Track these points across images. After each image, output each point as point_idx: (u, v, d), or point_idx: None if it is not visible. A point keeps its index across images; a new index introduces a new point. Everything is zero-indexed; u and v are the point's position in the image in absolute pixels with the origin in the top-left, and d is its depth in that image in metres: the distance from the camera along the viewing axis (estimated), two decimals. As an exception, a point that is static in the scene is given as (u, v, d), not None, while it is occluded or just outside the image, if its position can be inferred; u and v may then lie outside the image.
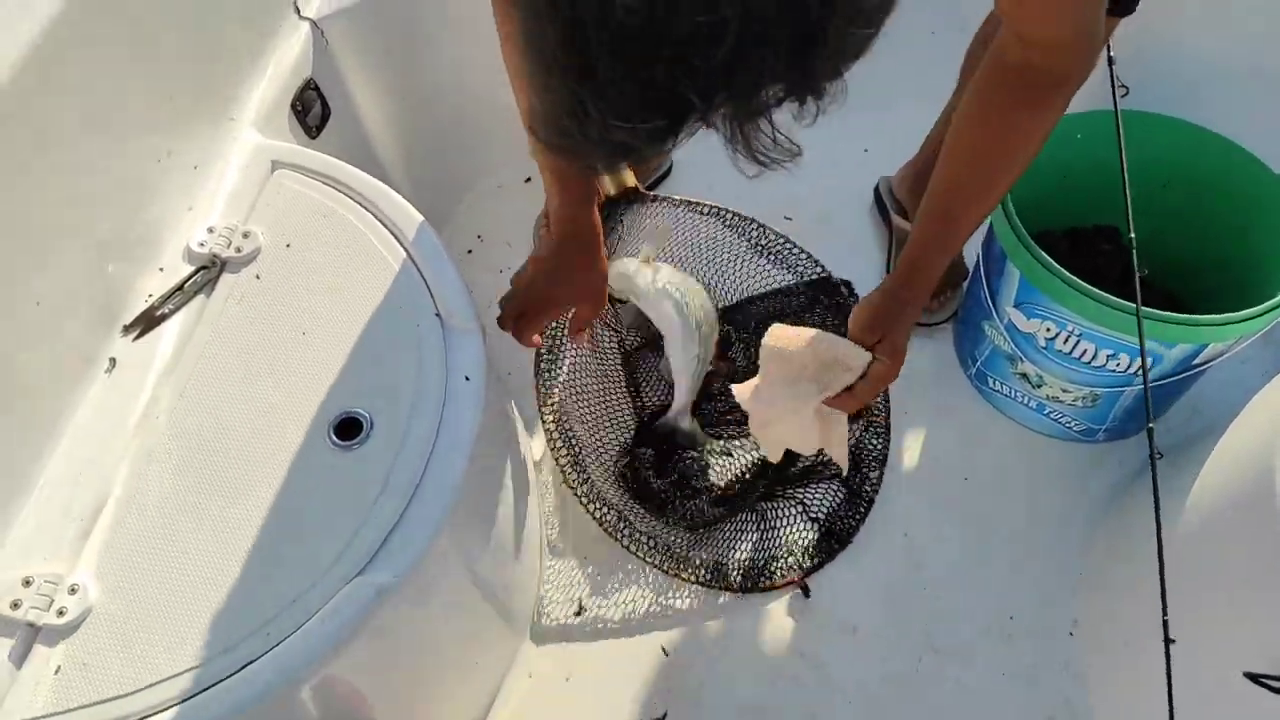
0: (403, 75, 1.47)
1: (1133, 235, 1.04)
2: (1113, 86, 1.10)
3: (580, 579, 1.39)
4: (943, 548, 1.42)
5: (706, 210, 1.43)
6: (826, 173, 1.76)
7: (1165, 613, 0.91)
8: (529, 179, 1.74)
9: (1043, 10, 0.87)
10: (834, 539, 1.39)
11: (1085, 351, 1.28)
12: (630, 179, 1.41)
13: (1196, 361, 1.26)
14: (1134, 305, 1.17)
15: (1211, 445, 1.16)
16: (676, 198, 1.43)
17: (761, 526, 1.39)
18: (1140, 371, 1.28)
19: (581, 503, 1.31)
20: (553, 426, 1.33)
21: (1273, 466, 0.97)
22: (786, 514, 1.40)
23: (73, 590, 0.90)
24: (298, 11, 1.31)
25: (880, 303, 1.07)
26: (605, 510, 1.32)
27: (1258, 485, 1.01)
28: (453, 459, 0.97)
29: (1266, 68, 1.46)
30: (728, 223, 1.43)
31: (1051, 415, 1.44)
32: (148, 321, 1.06)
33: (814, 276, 1.40)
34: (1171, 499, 1.21)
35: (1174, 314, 1.17)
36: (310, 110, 1.32)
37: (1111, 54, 1.12)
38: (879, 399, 1.44)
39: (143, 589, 0.90)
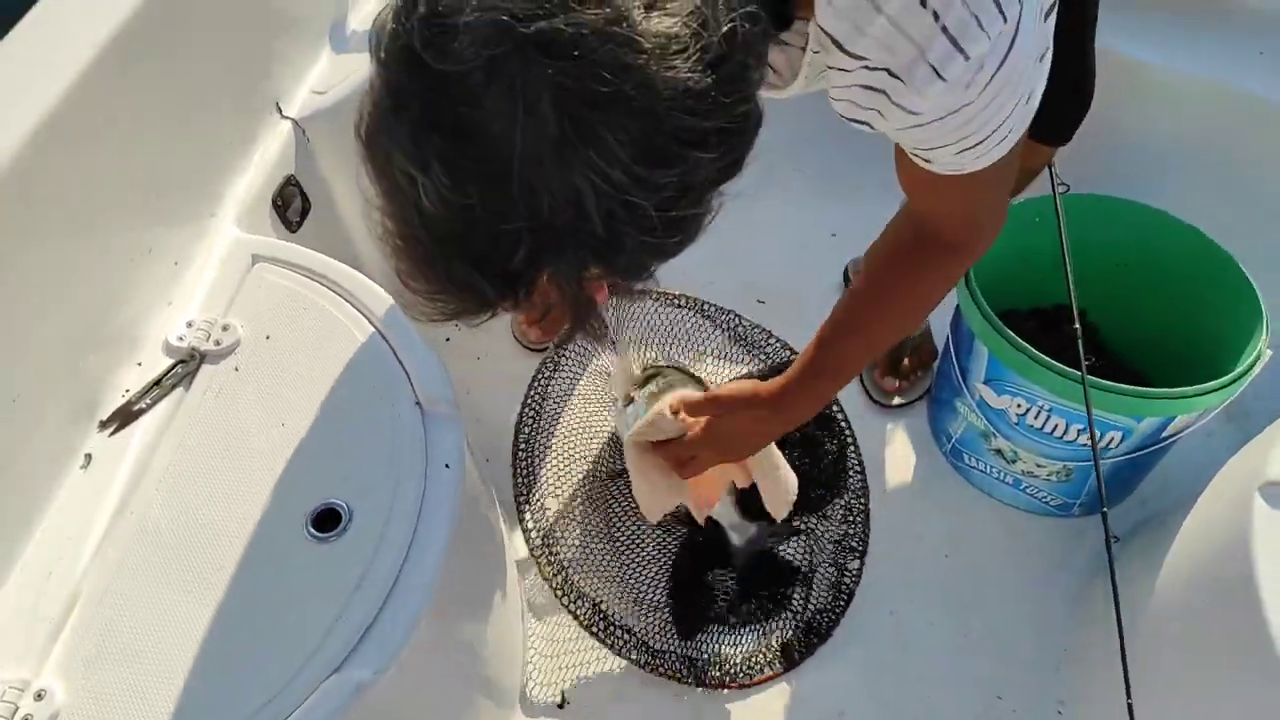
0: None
1: (1074, 305, 1.12)
2: (1053, 184, 1.18)
3: (563, 668, 1.36)
4: (928, 628, 1.41)
5: (685, 303, 1.46)
6: (797, 257, 1.81)
7: (1129, 695, 0.92)
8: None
9: (938, 201, 0.90)
10: (814, 634, 1.37)
11: (1056, 426, 1.30)
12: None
13: (1164, 435, 1.29)
14: (1102, 381, 1.21)
15: (1181, 519, 1.18)
16: (656, 290, 1.46)
17: (738, 624, 1.37)
18: (1107, 446, 1.30)
19: (556, 595, 1.30)
20: (529, 518, 1.33)
21: (1242, 539, 0.99)
22: (760, 620, 1.38)
23: (39, 696, 0.87)
24: (280, 111, 1.35)
25: (745, 394, 1.07)
26: (581, 604, 1.31)
27: (1226, 557, 1.02)
28: (432, 548, 0.97)
29: (1214, 150, 1.53)
30: (706, 314, 1.46)
31: (1027, 490, 1.45)
32: (124, 417, 1.06)
33: (785, 359, 1.43)
34: (1145, 574, 1.22)
35: (1136, 388, 1.20)
36: (290, 205, 1.35)
37: (1055, 169, 1.20)
38: (857, 489, 1.44)
39: (113, 690, 0.88)
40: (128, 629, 0.91)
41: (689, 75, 0.50)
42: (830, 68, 0.69)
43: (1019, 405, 1.32)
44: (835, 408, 1.47)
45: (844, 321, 1.02)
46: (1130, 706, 0.93)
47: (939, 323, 1.62)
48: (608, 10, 0.49)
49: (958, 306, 1.37)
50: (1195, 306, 1.40)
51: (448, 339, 1.69)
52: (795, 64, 0.73)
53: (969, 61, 0.63)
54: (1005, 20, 0.63)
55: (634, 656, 1.32)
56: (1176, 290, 1.43)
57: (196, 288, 1.17)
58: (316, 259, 1.20)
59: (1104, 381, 1.21)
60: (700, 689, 1.32)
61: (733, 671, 1.34)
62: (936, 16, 0.62)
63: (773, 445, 1.19)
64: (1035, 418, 1.31)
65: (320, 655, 0.90)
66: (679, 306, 1.47)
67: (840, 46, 0.66)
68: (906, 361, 1.60)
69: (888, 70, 0.65)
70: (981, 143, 0.72)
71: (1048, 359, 1.23)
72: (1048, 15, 0.72)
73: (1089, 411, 1.05)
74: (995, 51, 0.64)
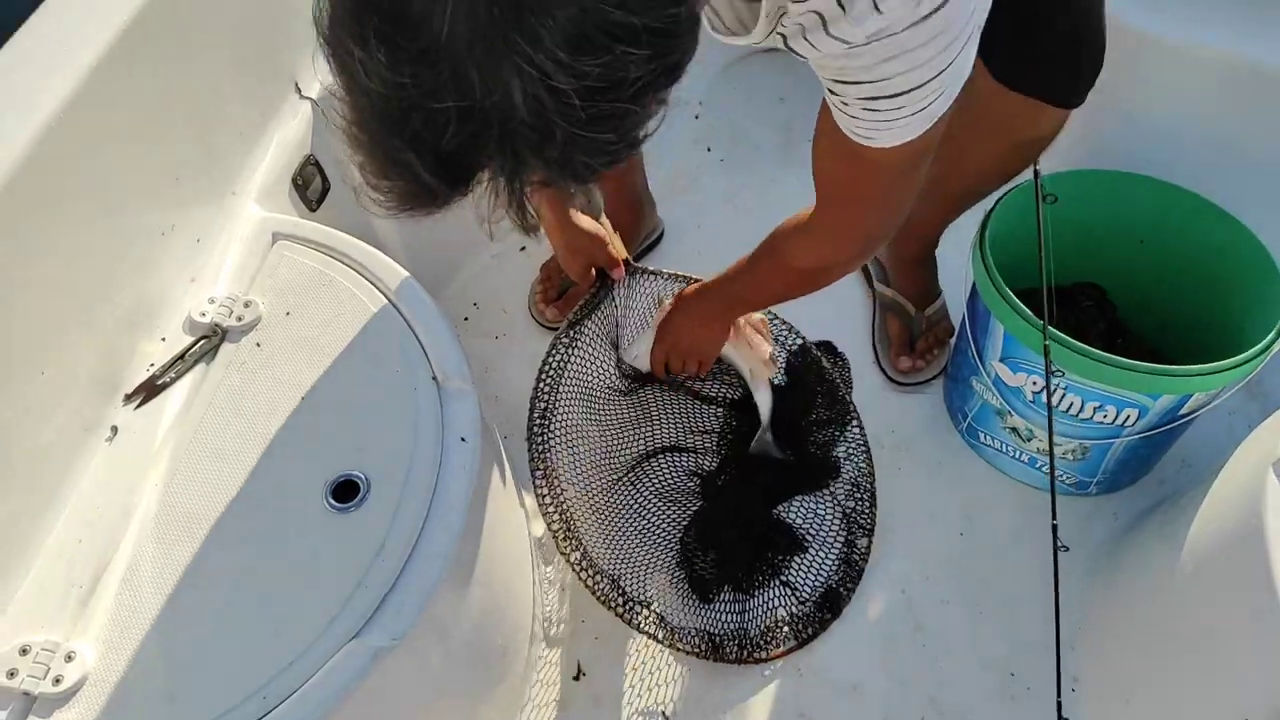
0: (400, 150, 1.52)
1: (1047, 298, 1.14)
2: (1037, 195, 1.18)
3: (579, 640, 1.38)
4: (942, 606, 1.41)
5: (693, 283, 1.46)
6: (814, 237, 1.80)
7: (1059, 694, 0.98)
8: (524, 248, 1.78)
9: (839, 173, 0.95)
10: (826, 609, 1.38)
11: (1072, 404, 1.29)
12: (621, 250, 1.45)
13: (1182, 413, 1.28)
14: (1117, 358, 1.20)
15: (1199, 498, 1.17)
16: (666, 271, 1.46)
17: (753, 600, 1.38)
18: (1124, 424, 1.30)
19: (574, 570, 1.32)
20: (545, 493, 1.34)
21: (1256, 517, 0.98)
22: (776, 588, 1.39)
23: (69, 658, 0.90)
24: (299, 92, 1.37)
25: (677, 298, 1.32)
26: (599, 579, 1.32)
27: (1240, 536, 1.02)
28: (449, 520, 0.99)
29: (1235, 126, 1.51)
30: None
31: (1043, 469, 1.45)
32: (149, 390, 1.08)
33: (794, 346, 1.43)
34: (1163, 552, 1.22)
35: (1154, 365, 1.20)
36: (310, 185, 1.37)
37: (1037, 166, 1.21)
38: (864, 468, 1.45)
39: (140, 653, 0.91)
40: (154, 595, 0.94)
41: None
42: (785, 6, 0.72)
43: (1035, 383, 1.32)
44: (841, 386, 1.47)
45: (737, 269, 1.22)
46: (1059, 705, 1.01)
47: (955, 300, 1.61)
48: None
49: (974, 284, 1.37)
50: (1216, 284, 1.39)
51: (466, 318, 1.71)
52: (758, 12, 0.76)
53: None
54: None
55: (651, 630, 1.33)
56: (1197, 268, 1.41)
57: (219, 265, 1.19)
58: (336, 237, 1.22)
59: (1119, 358, 1.20)
60: (716, 663, 1.34)
61: (749, 646, 1.35)
62: None
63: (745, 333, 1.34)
64: (1052, 396, 1.31)
65: (339, 622, 0.92)
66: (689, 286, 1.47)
67: None
68: (922, 340, 1.60)
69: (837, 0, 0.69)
70: (896, 96, 0.76)
71: (1063, 335, 1.22)
72: None
73: (1047, 363, 1.13)
74: None
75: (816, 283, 1.19)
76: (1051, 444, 1.17)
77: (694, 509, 1.45)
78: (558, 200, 1.27)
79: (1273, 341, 1.21)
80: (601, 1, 0.52)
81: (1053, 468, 1.15)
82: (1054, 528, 1.13)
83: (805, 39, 0.74)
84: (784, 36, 0.77)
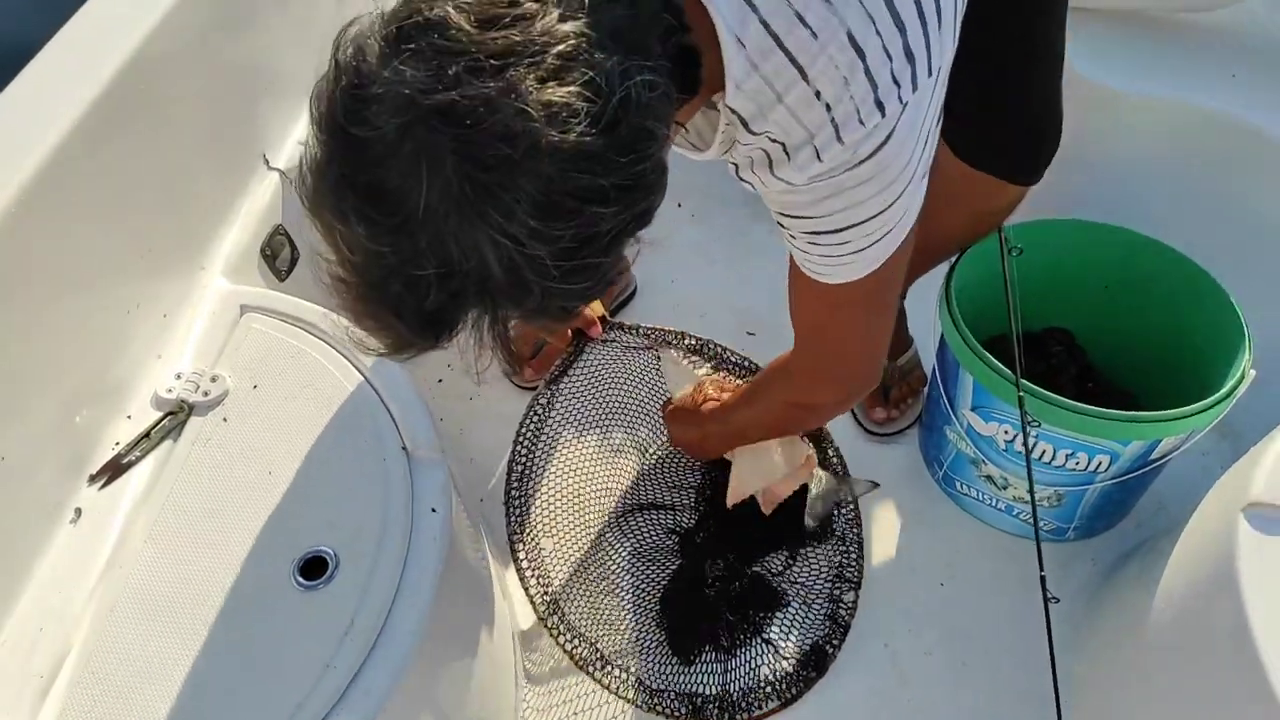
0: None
1: (1019, 347, 1.18)
2: (1002, 251, 1.22)
3: (559, 706, 1.36)
4: (925, 658, 1.40)
5: (671, 339, 1.47)
6: (785, 288, 1.82)
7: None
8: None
9: (807, 313, 1.00)
10: (812, 667, 1.36)
11: (1044, 452, 1.30)
12: (598, 307, 1.46)
13: (1153, 457, 1.29)
14: (1090, 408, 1.21)
15: (1174, 541, 1.18)
16: (643, 326, 1.47)
17: (734, 660, 1.36)
18: (1096, 470, 1.30)
19: (551, 635, 1.30)
20: (523, 557, 1.33)
21: (1228, 561, 0.99)
22: (759, 646, 1.37)
23: (29, 751, 0.88)
24: (267, 163, 1.38)
25: (687, 411, 1.36)
26: (577, 643, 1.31)
27: (1213, 581, 1.02)
28: (419, 594, 0.97)
29: (1193, 173, 1.54)
30: (692, 347, 1.47)
31: (1020, 516, 1.45)
32: (114, 470, 1.07)
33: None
34: (1144, 596, 1.21)
35: (1122, 412, 1.20)
36: (279, 255, 1.37)
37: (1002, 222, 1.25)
38: (850, 518, 1.45)
39: (102, 746, 0.88)
40: (119, 682, 0.92)
41: (581, 139, 0.54)
42: (736, 140, 0.76)
43: (1006, 431, 1.32)
44: (828, 444, 1.48)
45: (733, 402, 1.28)
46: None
47: (927, 348, 1.62)
48: (501, 83, 0.53)
49: (942, 335, 1.38)
50: (1181, 328, 1.41)
51: (440, 380, 1.70)
52: (712, 130, 0.80)
53: (844, 146, 0.72)
54: (884, 115, 0.71)
55: (631, 695, 1.31)
56: (1162, 312, 1.43)
57: (185, 340, 1.19)
58: (304, 307, 1.21)
59: (1088, 406, 1.21)
60: (703, 725, 1.32)
61: (731, 709, 1.33)
62: (828, 109, 0.70)
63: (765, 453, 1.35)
64: (1022, 444, 1.31)
65: (308, 704, 0.90)
66: (665, 341, 1.48)
67: (745, 124, 0.73)
68: (896, 390, 1.61)
69: (783, 145, 0.74)
70: (838, 231, 0.80)
71: (1031, 385, 1.23)
72: (937, 125, 0.79)
73: (1022, 414, 1.15)
74: (871, 139, 0.72)
75: (805, 422, 1.25)
76: (1033, 495, 1.17)
77: (672, 567, 1.43)
78: None
79: (1236, 386, 1.22)
80: (568, 169, 0.55)
81: (1035, 517, 1.15)
82: (1042, 579, 1.13)
83: (753, 172, 0.78)
84: (735, 165, 0.81)
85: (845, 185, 0.75)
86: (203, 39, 1.25)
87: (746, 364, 1.49)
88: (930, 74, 0.73)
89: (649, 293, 1.81)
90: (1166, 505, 1.51)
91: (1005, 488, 1.41)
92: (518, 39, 0.54)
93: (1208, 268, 1.36)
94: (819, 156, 0.72)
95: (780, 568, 1.43)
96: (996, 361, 1.26)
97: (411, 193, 0.55)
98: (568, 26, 0.55)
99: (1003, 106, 1.06)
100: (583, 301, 0.64)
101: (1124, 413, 1.21)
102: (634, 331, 1.48)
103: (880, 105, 0.71)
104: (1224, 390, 1.21)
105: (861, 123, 0.71)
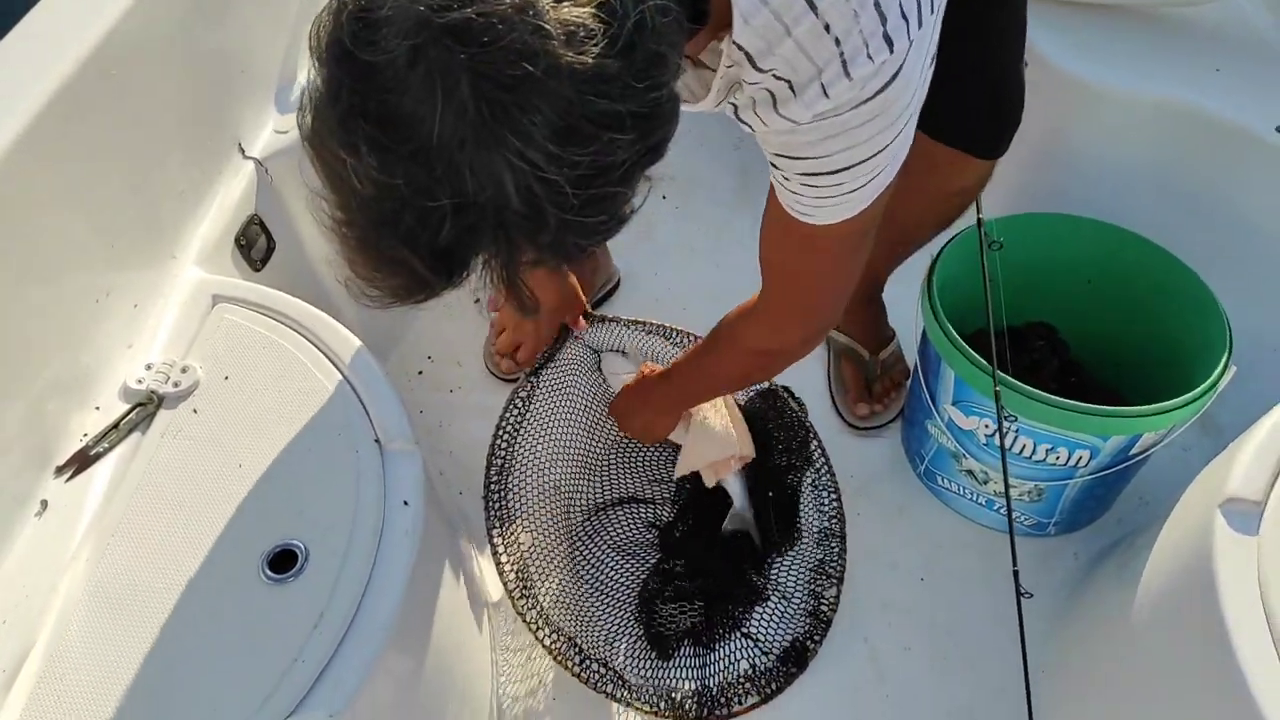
0: (348, 207, 1.51)
1: (994, 344, 1.18)
2: (980, 245, 1.22)
3: (537, 703, 1.35)
4: (904, 653, 1.40)
5: (652, 329, 1.46)
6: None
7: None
8: (477, 300, 1.77)
9: (782, 254, 0.97)
10: (791, 663, 1.35)
11: (1024, 446, 1.29)
12: (582, 302, 1.45)
13: (1133, 452, 1.29)
14: (1069, 402, 1.21)
15: (1156, 534, 1.17)
16: (624, 318, 1.46)
17: (714, 653, 1.35)
18: (1076, 465, 1.30)
19: (530, 629, 1.29)
20: (502, 550, 1.32)
21: (1205, 556, 0.98)
22: (739, 641, 1.36)
23: (-10, 747, 0.86)
24: (242, 152, 1.36)
25: (632, 384, 1.35)
26: (555, 637, 1.30)
27: (1191, 576, 1.02)
28: (390, 588, 0.96)
29: (1174, 168, 1.54)
30: (674, 341, 1.46)
31: (1001, 511, 1.44)
32: (81, 461, 1.05)
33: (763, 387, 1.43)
34: (1123, 592, 1.21)
35: (1101, 406, 1.20)
36: (255, 245, 1.35)
37: (981, 214, 1.24)
38: (833, 513, 1.44)
39: (64, 741, 0.87)
40: (83, 677, 0.90)
41: (600, 60, 0.53)
42: (741, 80, 0.75)
43: (987, 426, 1.32)
44: (812, 437, 1.47)
45: (686, 360, 1.26)
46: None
47: (909, 343, 1.62)
48: (516, 1, 0.52)
49: (924, 330, 1.37)
50: (1162, 322, 1.40)
51: (420, 372, 1.69)
52: (708, 82, 0.78)
53: (852, 82, 0.70)
54: (892, 51, 0.70)
55: (609, 690, 1.30)
56: (1143, 307, 1.43)
57: (156, 330, 1.17)
58: (278, 298, 1.20)
59: (1067, 401, 1.20)
60: (677, 721, 1.31)
61: (710, 704, 1.32)
62: (838, 43, 0.69)
63: (712, 412, 1.36)
64: (1004, 440, 1.30)
65: (276, 698, 0.89)
66: (647, 333, 1.47)
67: (752, 61, 0.71)
68: (878, 385, 1.60)
69: (789, 83, 0.72)
70: (836, 173, 0.78)
71: (1015, 381, 1.23)
72: (930, 66, 0.78)
73: (999, 408, 1.16)
74: (879, 75, 0.71)
75: (768, 369, 1.22)
76: (1008, 489, 1.17)
77: (652, 562, 1.42)
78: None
79: (1216, 380, 1.21)
80: (586, 93, 0.54)
81: (1010, 513, 1.15)
82: (1015, 574, 1.12)
83: (755, 112, 0.76)
84: (735, 106, 0.79)
85: (849, 124, 0.73)
86: (175, 26, 1.23)
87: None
88: (933, 11, 0.72)
89: (632, 284, 1.80)
90: (1148, 501, 1.51)
91: (986, 482, 1.41)
92: None
93: (1189, 263, 1.36)
94: (826, 93, 0.71)
95: (761, 561, 1.42)
96: (976, 355, 1.25)
97: (426, 117, 0.53)
98: None
99: (960, 77, 1.04)
100: (597, 238, 0.62)
101: (1103, 407, 1.21)
102: (617, 323, 1.47)
103: (889, 40, 0.69)
104: (1204, 385, 1.21)
105: (870, 58, 0.69)
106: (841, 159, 0.77)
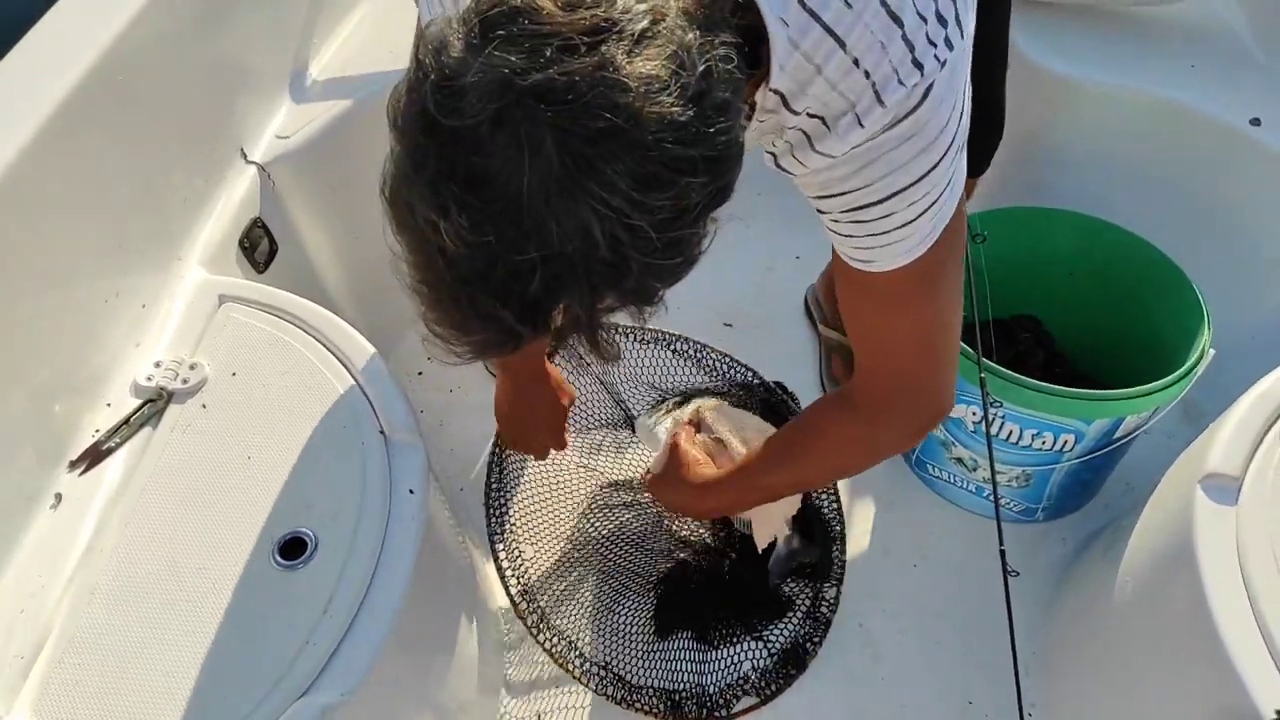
0: (346, 212, 1.54)
1: (979, 332, 1.19)
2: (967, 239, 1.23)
3: (540, 697, 1.37)
4: (899, 638, 1.42)
5: (648, 338, 1.47)
6: (763, 280, 1.84)
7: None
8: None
9: (865, 317, 0.93)
10: (791, 664, 1.37)
11: (1011, 433, 1.33)
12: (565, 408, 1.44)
13: (1117, 436, 1.32)
14: (1054, 386, 1.24)
15: (1139, 517, 1.21)
16: (622, 325, 1.46)
17: (711, 651, 1.37)
18: (1062, 449, 1.33)
19: (530, 633, 1.31)
20: (501, 553, 1.34)
21: (1185, 532, 1.02)
22: (739, 640, 1.38)
23: (10, 731, 0.89)
24: (245, 157, 1.39)
25: (683, 475, 1.22)
26: (555, 639, 1.32)
27: (1173, 553, 1.05)
28: (396, 573, 0.99)
29: (1152, 160, 1.58)
30: (674, 349, 1.47)
31: (990, 498, 1.48)
32: (94, 456, 1.08)
33: (748, 381, 1.45)
34: (1110, 572, 1.24)
35: (1084, 390, 1.24)
36: (258, 247, 1.38)
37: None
38: (833, 511, 1.44)
39: (82, 724, 0.89)
40: (99, 663, 0.93)
41: (672, 109, 0.56)
42: (780, 125, 0.76)
43: (974, 413, 1.35)
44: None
45: (763, 461, 1.13)
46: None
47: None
48: (595, 58, 0.55)
49: (912, 320, 1.40)
50: (1143, 311, 1.44)
51: (420, 372, 1.72)
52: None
53: (885, 109, 0.72)
54: (923, 74, 0.71)
55: (609, 692, 1.32)
56: (1124, 296, 1.47)
57: (164, 329, 1.20)
58: (282, 297, 1.23)
59: (1051, 386, 1.24)
60: (677, 720, 1.33)
61: (709, 705, 1.34)
62: (868, 75, 0.71)
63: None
64: (990, 426, 1.34)
65: (287, 680, 0.92)
66: (644, 342, 1.48)
67: (786, 103, 0.73)
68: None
69: (822, 119, 0.74)
70: (880, 203, 0.77)
71: (996, 366, 1.26)
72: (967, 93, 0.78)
73: (984, 393, 1.17)
74: (910, 98, 0.72)
75: (870, 459, 1.10)
76: (994, 474, 1.20)
77: (660, 564, 1.43)
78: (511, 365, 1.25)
79: (1195, 364, 1.25)
80: (663, 140, 0.56)
81: (995, 492, 1.18)
82: (1002, 553, 1.15)
83: (794, 156, 0.78)
84: (774, 156, 0.80)
85: (885, 148, 0.74)
86: (179, 34, 1.27)
87: (726, 363, 1.48)
88: (963, 36, 0.73)
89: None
90: (1134, 486, 1.54)
91: (975, 469, 1.44)
92: (604, 16, 0.56)
93: (1169, 253, 1.39)
94: (860, 123, 0.72)
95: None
96: (962, 344, 1.28)
97: (513, 175, 0.55)
98: (645, 5, 0.57)
99: None
100: (673, 280, 0.64)
101: (1088, 390, 1.24)
102: (631, 336, 1.48)
103: (918, 64, 0.71)
104: (1183, 368, 1.24)
105: (901, 83, 0.71)
106: (882, 186, 0.77)
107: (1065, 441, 1.31)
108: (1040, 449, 1.34)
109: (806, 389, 1.65)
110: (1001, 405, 1.28)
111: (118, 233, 1.18)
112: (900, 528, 1.53)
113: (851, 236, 0.82)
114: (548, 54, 0.55)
